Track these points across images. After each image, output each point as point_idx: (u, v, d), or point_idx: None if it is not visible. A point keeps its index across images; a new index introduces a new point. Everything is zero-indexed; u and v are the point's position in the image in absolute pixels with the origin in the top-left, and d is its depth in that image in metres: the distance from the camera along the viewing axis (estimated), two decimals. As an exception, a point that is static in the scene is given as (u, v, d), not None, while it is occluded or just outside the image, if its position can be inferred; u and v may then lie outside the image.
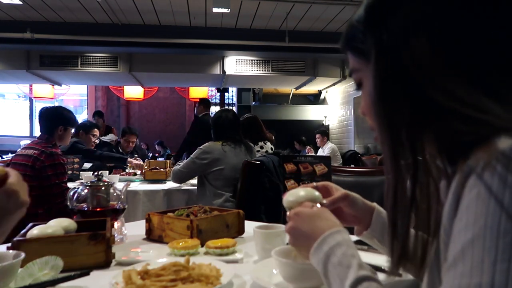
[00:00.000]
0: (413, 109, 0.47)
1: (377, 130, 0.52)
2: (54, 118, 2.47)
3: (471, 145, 0.43)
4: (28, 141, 5.44)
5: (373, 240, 0.78)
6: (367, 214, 0.78)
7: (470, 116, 0.43)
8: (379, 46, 0.49)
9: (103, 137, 5.25)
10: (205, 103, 5.29)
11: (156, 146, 9.55)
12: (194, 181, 2.75)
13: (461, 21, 0.46)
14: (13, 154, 2.80)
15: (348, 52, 0.58)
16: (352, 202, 0.78)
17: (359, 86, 0.58)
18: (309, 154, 6.17)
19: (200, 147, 2.58)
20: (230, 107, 11.38)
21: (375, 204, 0.79)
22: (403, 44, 0.47)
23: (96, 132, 3.84)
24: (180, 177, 2.64)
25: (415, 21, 0.47)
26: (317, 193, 0.76)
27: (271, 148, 3.35)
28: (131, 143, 4.34)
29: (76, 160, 3.14)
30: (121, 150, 4.30)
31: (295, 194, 0.75)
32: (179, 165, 2.68)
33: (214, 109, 11.99)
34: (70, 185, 2.52)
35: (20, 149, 2.59)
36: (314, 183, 0.82)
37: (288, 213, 0.73)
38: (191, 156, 2.58)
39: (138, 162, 3.68)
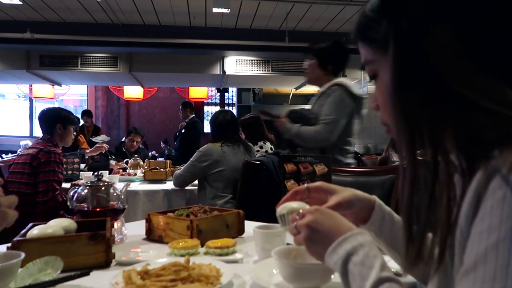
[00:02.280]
0: (434, 102, 0.45)
1: (394, 124, 0.49)
2: (52, 118, 2.48)
3: (494, 142, 0.41)
4: (28, 141, 5.44)
5: (370, 233, 0.75)
6: (364, 210, 0.75)
7: (497, 112, 0.41)
8: (397, 35, 0.47)
9: (95, 137, 5.25)
10: (190, 106, 5.33)
11: (161, 144, 9.54)
12: (195, 181, 2.75)
13: (488, 7, 0.43)
14: (14, 155, 2.80)
15: (360, 43, 0.55)
16: (347, 206, 0.74)
17: (373, 78, 0.55)
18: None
19: (199, 149, 2.58)
20: (229, 108, 11.38)
21: (374, 198, 0.76)
22: (424, 31, 0.44)
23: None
24: (182, 181, 2.65)
25: (437, 6, 0.44)
26: (308, 206, 0.77)
27: (271, 148, 3.35)
28: (135, 143, 4.36)
29: (76, 160, 3.14)
30: (124, 150, 4.31)
31: (288, 205, 0.77)
32: (180, 169, 2.69)
33: (214, 109, 12.01)
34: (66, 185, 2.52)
35: (23, 149, 2.59)
36: (305, 185, 0.80)
37: (289, 216, 0.72)
38: (190, 159, 2.59)
39: (95, 148, 3.50)
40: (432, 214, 0.47)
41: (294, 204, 0.76)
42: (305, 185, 0.80)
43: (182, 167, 2.67)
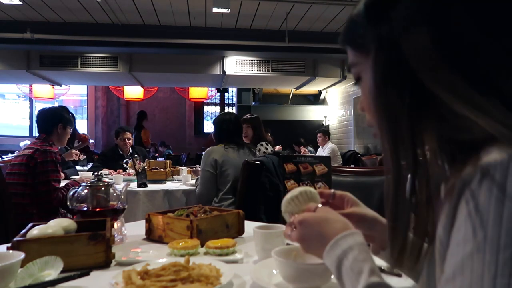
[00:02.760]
0: (412, 103, 0.46)
1: (376, 125, 0.51)
2: (53, 117, 2.47)
3: (472, 146, 0.42)
4: (27, 141, 5.42)
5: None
6: (381, 232, 0.70)
7: (468, 115, 0.42)
8: (379, 38, 0.49)
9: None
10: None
11: (159, 147, 9.45)
12: (194, 181, 2.75)
13: (463, 13, 0.44)
14: (13, 155, 2.80)
15: (347, 46, 0.57)
16: (359, 219, 0.70)
17: (358, 80, 0.57)
18: (305, 154, 6.17)
19: (203, 153, 2.60)
20: (229, 108, 11.38)
21: None
22: (403, 36, 0.46)
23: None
24: (206, 194, 2.54)
25: (416, 12, 0.46)
26: (313, 190, 0.74)
27: (268, 148, 3.36)
28: (127, 140, 4.18)
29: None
30: (121, 152, 4.16)
31: (291, 193, 0.74)
32: (197, 186, 2.62)
33: (214, 109, 12.00)
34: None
35: (20, 150, 2.58)
36: (332, 190, 0.77)
37: (291, 218, 0.71)
38: (200, 168, 2.60)
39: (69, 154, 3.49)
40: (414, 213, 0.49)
41: (296, 192, 0.74)
42: (332, 190, 0.77)
43: (198, 184, 2.61)
